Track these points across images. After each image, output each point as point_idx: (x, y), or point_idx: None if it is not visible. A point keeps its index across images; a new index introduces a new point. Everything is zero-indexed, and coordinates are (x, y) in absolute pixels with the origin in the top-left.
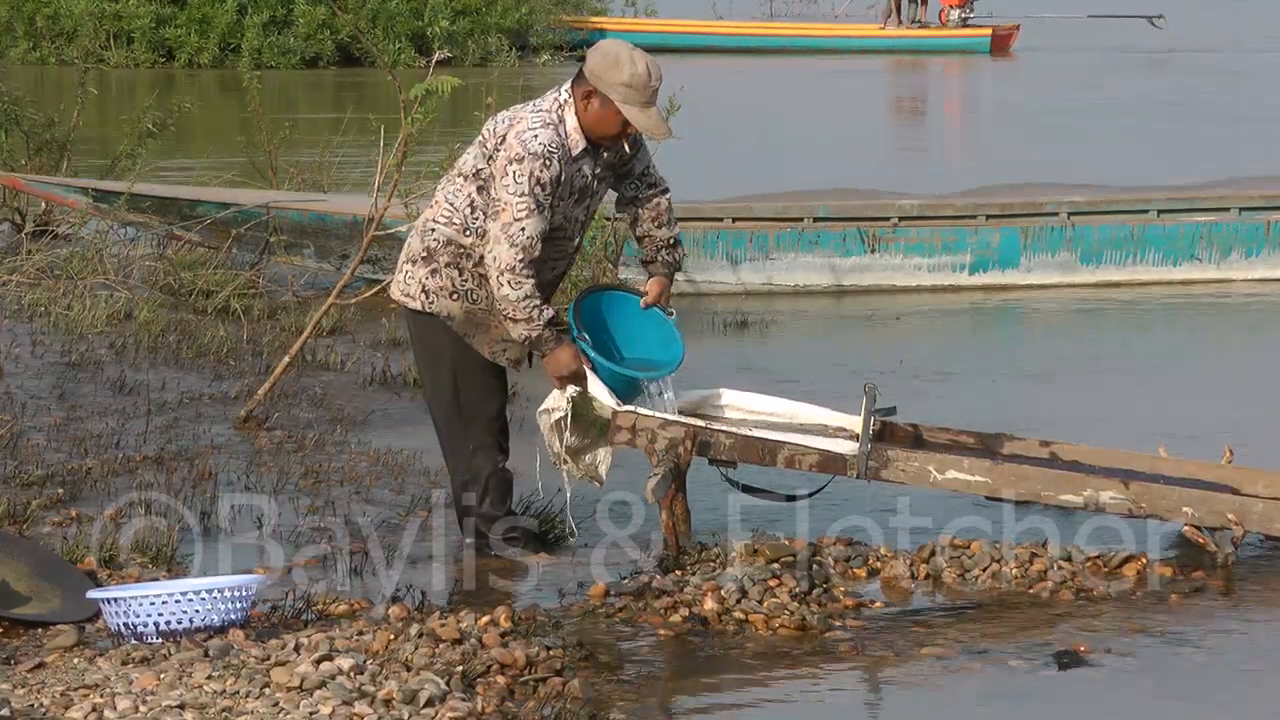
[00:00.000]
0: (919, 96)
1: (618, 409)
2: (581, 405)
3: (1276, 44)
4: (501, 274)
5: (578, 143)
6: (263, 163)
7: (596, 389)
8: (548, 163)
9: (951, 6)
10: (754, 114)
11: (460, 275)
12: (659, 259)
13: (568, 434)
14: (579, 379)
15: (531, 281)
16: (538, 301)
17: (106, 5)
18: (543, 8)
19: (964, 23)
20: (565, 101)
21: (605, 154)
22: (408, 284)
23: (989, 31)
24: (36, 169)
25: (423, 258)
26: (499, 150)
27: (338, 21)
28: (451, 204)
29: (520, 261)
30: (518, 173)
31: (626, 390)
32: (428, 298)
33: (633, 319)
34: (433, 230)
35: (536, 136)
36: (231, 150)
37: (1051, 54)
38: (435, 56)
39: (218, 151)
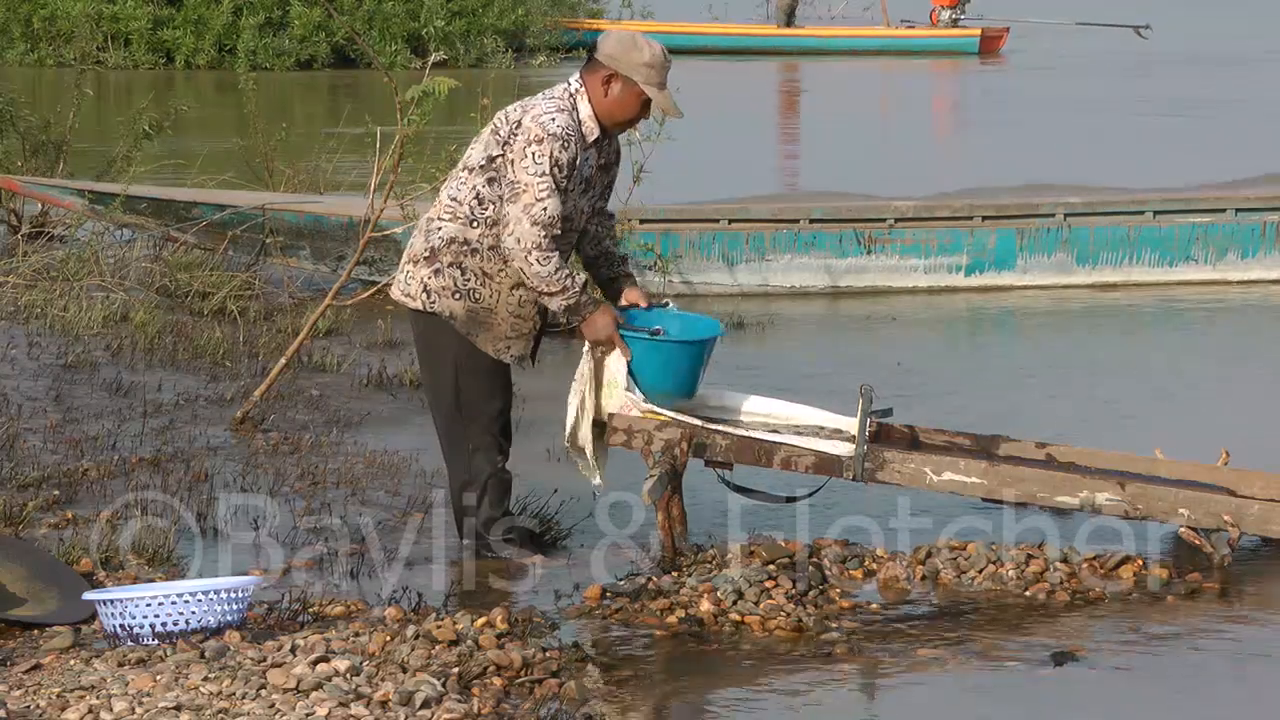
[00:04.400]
0: (912, 97)
1: (629, 393)
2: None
3: (1269, 45)
4: (529, 254)
5: (592, 130)
6: (259, 164)
7: (618, 368)
8: (566, 144)
9: (943, 6)
10: (750, 115)
11: (463, 274)
12: (620, 272)
13: (588, 411)
14: (617, 344)
15: (558, 254)
16: (568, 271)
17: (104, 7)
18: (539, 9)
19: (955, 23)
20: (577, 90)
21: (608, 145)
22: (408, 284)
23: (978, 32)
24: (33, 171)
25: (425, 257)
26: (515, 135)
27: (333, 23)
28: (455, 199)
29: (545, 238)
30: (537, 154)
31: (678, 387)
32: (429, 297)
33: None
34: (439, 229)
35: (554, 119)
36: (228, 152)
37: (1040, 56)
38: (431, 58)
39: (214, 153)
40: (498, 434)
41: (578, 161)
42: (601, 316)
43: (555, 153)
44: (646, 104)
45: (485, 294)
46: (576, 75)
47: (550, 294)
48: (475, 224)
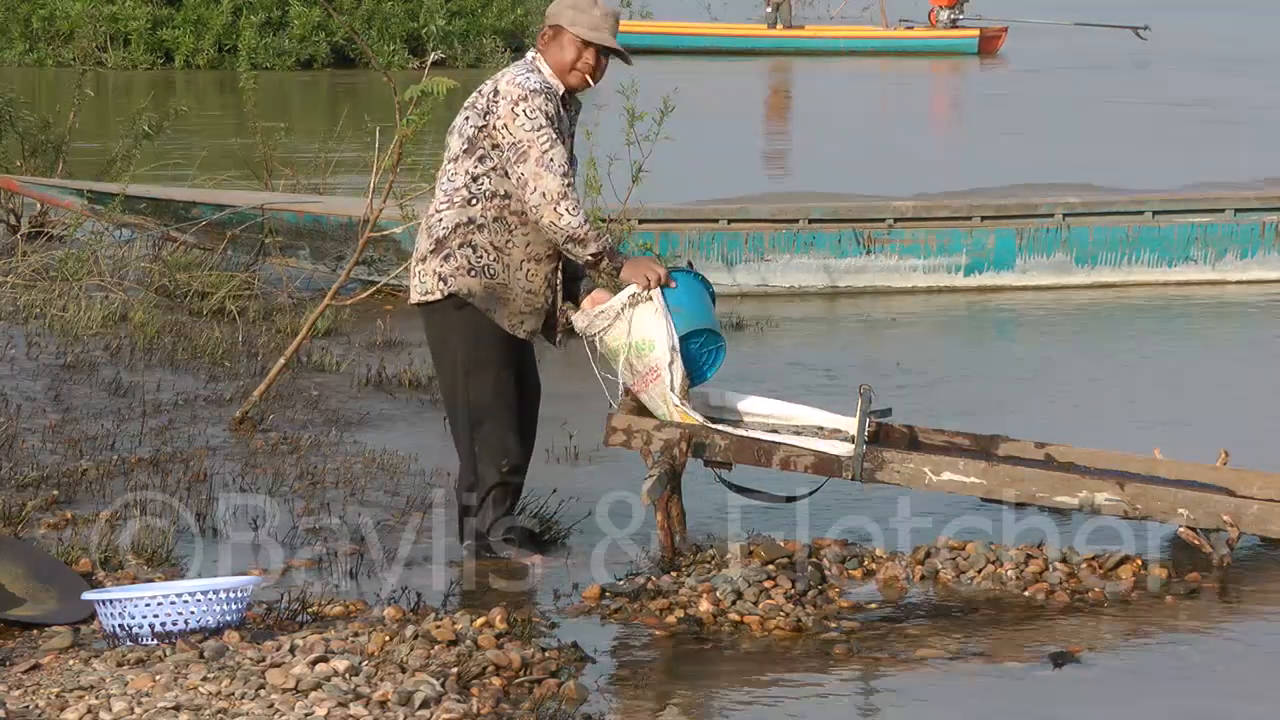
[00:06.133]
0: (911, 97)
1: (672, 347)
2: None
3: (1268, 47)
4: (557, 205)
5: (558, 86)
6: (258, 164)
7: (658, 328)
8: (548, 97)
9: (941, 7)
10: (749, 115)
11: (475, 252)
12: (581, 273)
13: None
14: (663, 278)
15: (583, 209)
16: (595, 223)
17: (103, 7)
18: (538, 9)
19: (953, 24)
20: (535, 56)
21: (573, 106)
22: (424, 281)
23: (977, 33)
24: (32, 170)
25: (432, 250)
26: (495, 103)
27: (332, 23)
28: (449, 189)
29: (568, 186)
30: (528, 109)
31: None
32: (445, 283)
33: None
34: (439, 220)
35: (528, 78)
36: (227, 151)
37: (1038, 56)
38: (429, 58)
39: (214, 153)
40: (505, 436)
41: (560, 113)
42: (645, 259)
43: (541, 105)
44: (594, 54)
45: (499, 269)
46: (532, 49)
47: (585, 240)
48: (475, 201)
